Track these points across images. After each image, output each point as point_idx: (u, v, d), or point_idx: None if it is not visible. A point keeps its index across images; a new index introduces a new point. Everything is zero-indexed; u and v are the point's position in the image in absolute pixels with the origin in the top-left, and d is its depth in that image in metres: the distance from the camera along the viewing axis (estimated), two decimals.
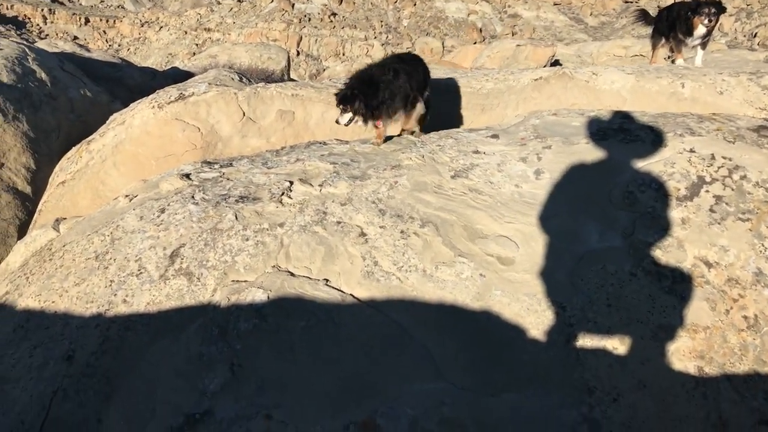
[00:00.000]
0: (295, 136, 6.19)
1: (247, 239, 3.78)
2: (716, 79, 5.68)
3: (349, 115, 4.83)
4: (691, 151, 3.98)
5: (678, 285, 3.33)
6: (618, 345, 3.14)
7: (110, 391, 3.10)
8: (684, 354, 3.11)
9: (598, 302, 3.29)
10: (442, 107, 6.50)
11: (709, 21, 7.08)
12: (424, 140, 5.04)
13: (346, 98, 4.83)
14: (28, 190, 7.50)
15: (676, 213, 3.65)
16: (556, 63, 17.06)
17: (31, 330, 3.53)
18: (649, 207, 3.69)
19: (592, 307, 3.28)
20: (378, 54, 75.94)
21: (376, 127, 5.00)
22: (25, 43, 10.77)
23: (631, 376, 3.03)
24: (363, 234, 3.78)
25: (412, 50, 77.97)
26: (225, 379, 3.04)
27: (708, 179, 3.79)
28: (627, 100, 5.79)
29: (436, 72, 7.76)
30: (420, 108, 5.16)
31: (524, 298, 3.37)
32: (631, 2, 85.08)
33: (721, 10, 7.11)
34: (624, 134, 4.30)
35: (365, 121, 4.91)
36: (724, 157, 3.89)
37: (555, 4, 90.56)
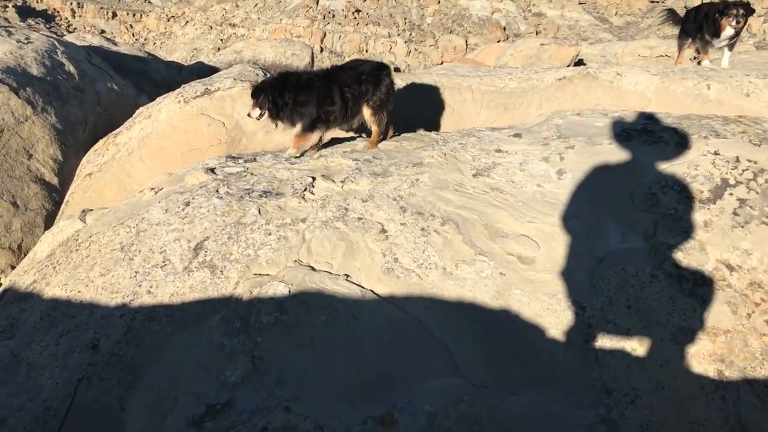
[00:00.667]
0: None
1: (270, 233, 3.83)
2: (743, 81, 5.62)
3: (258, 109, 4.81)
4: (716, 153, 3.95)
5: (699, 288, 3.32)
6: (637, 346, 3.13)
7: (133, 380, 3.16)
8: (704, 357, 3.10)
9: (618, 303, 3.29)
10: (465, 105, 6.51)
11: (737, 23, 7.01)
12: (446, 138, 5.05)
13: (256, 91, 4.83)
14: (55, 181, 7.63)
15: (698, 215, 3.63)
16: (580, 63, 16.92)
17: (57, 318, 3.59)
18: (672, 209, 3.68)
19: (611, 308, 3.28)
20: (401, 51, 75.84)
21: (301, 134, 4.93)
22: (54, 36, 10.93)
23: (649, 378, 3.03)
24: (384, 230, 3.81)
25: (435, 48, 77.85)
26: (246, 370, 3.08)
27: (732, 182, 3.76)
28: (651, 102, 5.75)
29: (459, 70, 7.77)
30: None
31: (544, 298, 3.38)
32: (657, 2, 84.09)
33: (750, 11, 7.03)
34: (648, 135, 4.28)
35: (272, 119, 4.87)
36: (749, 160, 3.86)
37: (580, 3, 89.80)
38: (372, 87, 4.95)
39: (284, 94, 4.75)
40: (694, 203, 3.69)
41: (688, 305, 3.26)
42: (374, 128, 5.13)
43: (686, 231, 3.57)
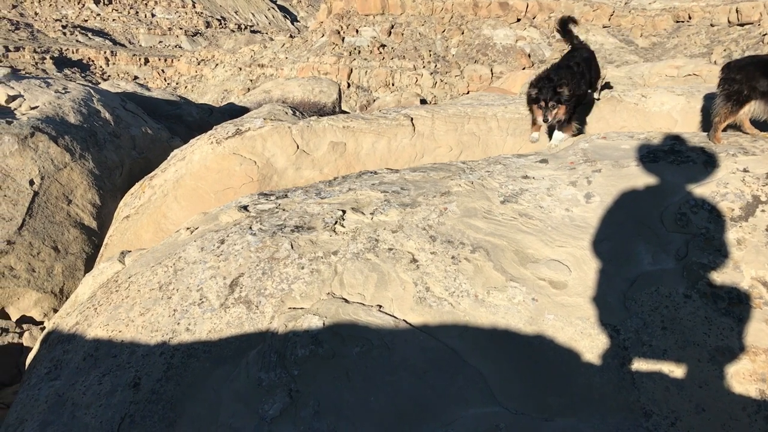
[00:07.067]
0: (347, 166, 6.34)
1: (303, 267, 3.89)
2: None
3: None
4: (745, 170, 3.93)
5: (735, 306, 3.28)
6: (674, 368, 3.10)
7: (175, 417, 3.21)
8: (744, 377, 3.05)
9: (653, 325, 3.27)
10: (491, 134, 6.56)
11: None
12: (473, 166, 5.09)
13: None
14: (94, 225, 7.84)
15: (730, 234, 3.60)
16: (606, 85, 16.87)
17: (100, 358, 3.69)
18: (703, 228, 3.66)
19: (646, 330, 3.26)
20: (427, 83, 76.42)
21: None
22: (89, 84, 11.32)
23: (689, 399, 2.99)
24: (414, 260, 3.85)
25: (461, 78, 78.34)
26: (284, 404, 3.12)
27: (763, 198, 3.73)
28: (678, 122, 5.74)
29: (485, 99, 7.83)
30: None
31: (577, 322, 3.37)
32: (682, 21, 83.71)
33: None
34: (675, 156, 4.28)
35: None
36: None
37: (604, 27, 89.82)
38: None
39: None
40: (726, 221, 3.66)
41: (724, 324, 3.23)
42: None
43: (719, 250, 3.54)
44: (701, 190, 3.89)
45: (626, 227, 3.83)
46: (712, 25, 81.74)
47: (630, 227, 3.81)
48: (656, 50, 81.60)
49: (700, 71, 11.47)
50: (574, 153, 4.81)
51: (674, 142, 4.50)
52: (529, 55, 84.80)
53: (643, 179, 4.13)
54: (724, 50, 70.20)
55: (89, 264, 7.40)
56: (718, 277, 3.42)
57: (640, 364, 3.14)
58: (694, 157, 4.20)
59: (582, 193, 4.23)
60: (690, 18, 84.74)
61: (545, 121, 5.09)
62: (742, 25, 78.17)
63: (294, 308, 3.64)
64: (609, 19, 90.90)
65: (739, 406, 2.96)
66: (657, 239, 3.69)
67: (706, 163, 4.10)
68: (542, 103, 5.05)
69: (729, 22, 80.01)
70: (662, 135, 4.72)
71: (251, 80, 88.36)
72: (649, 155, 4.37)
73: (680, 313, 3.30)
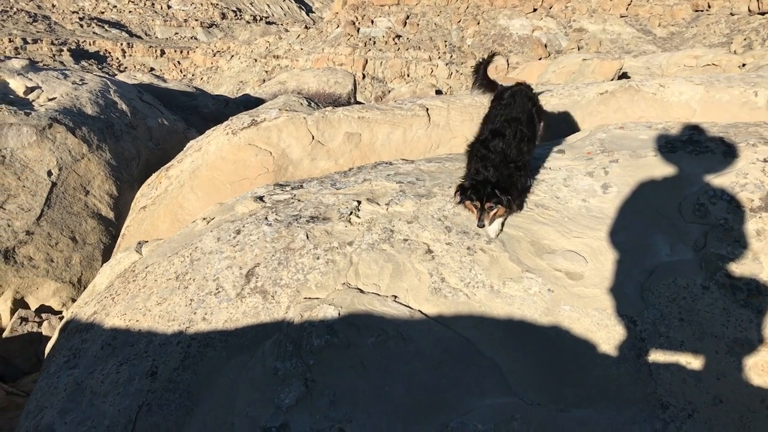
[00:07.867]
0: (362, 157, 6.33)
1: (318, 258, 3.90)
2: None
3: None
4: (765, 160, 3.87)
5: (754, 298, 3.25)
6: (692, 360, 3.08)
7: (191, 405, 3.24)
8: (763, 369, 3.02)
9: (670, 316, 3.24)
10: None
11: None
12: None
13: None
14: (111, 215, 7.91)
15: (750, 224, 3.55)
16: (623, 76, 16.73)
17: (117, 347, 3.72)
18: (721, 219, 3.62)
19: (663, 321, 3.23)
20: (442, 74, 76.04)
21: None
22: (106, 76, 11.39)
23: (706, 391, 2.97)
24: (430, 251, 3.84)
25: None
26: (299, 393, 3.14)
27: None
28: (696, 112, 5.67)
29: None
30: None
31: (594, 313, 3.35)
32: (702, 10, 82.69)
33: None
34: (693, 146, 4.23)
35: None
36: None
37: (621, 17, 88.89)
38: None
39: None
40: (745, 212, 3.62)
41: (743, 316, 3.19)
42: None
43: (738, 241, 3.50)
44: (720, 180, 3.85)
45: (644, 218, 3.79)
46: (731, 14, 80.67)
47: (647, 218, 3.78)
48: (674, 40, 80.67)
49: (719, 61, 11.35)
50: (591, 143, 4.78)
51: (693, 132, 4.45)
52: (546, 46, 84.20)
53: (661, 169, 4.09)
54: (744, 40, 69.24)
55: (107, 254, 7.47)
56: (737, 268, 3.38)
57: (657, 356, 3.12)
58: (713, 147, 4.15)
59: (599, 183, 4.20)
60: (709, 7, 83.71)
61: (480, 225, 3.85)
62: (762, 13, 77.03)
63: (309, 298, 3.65)
64: (627, 9, 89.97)
65: (757, 398, 2.94)
66: (675, 230, 3.65)
67: (726, 153, 4.05)
68: (477, 203, 3.82)
69: (749, 10, 78.90)
70: (680, 125, 4.66)
71: (266, 71, 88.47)
72: (667, 145, 4.32)
73: (698, 304, 3.27)
